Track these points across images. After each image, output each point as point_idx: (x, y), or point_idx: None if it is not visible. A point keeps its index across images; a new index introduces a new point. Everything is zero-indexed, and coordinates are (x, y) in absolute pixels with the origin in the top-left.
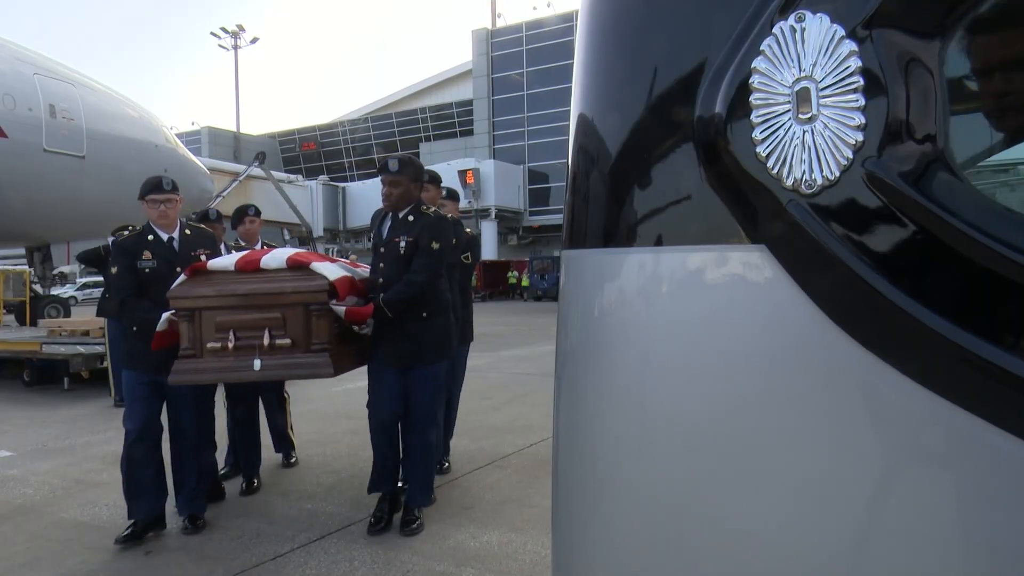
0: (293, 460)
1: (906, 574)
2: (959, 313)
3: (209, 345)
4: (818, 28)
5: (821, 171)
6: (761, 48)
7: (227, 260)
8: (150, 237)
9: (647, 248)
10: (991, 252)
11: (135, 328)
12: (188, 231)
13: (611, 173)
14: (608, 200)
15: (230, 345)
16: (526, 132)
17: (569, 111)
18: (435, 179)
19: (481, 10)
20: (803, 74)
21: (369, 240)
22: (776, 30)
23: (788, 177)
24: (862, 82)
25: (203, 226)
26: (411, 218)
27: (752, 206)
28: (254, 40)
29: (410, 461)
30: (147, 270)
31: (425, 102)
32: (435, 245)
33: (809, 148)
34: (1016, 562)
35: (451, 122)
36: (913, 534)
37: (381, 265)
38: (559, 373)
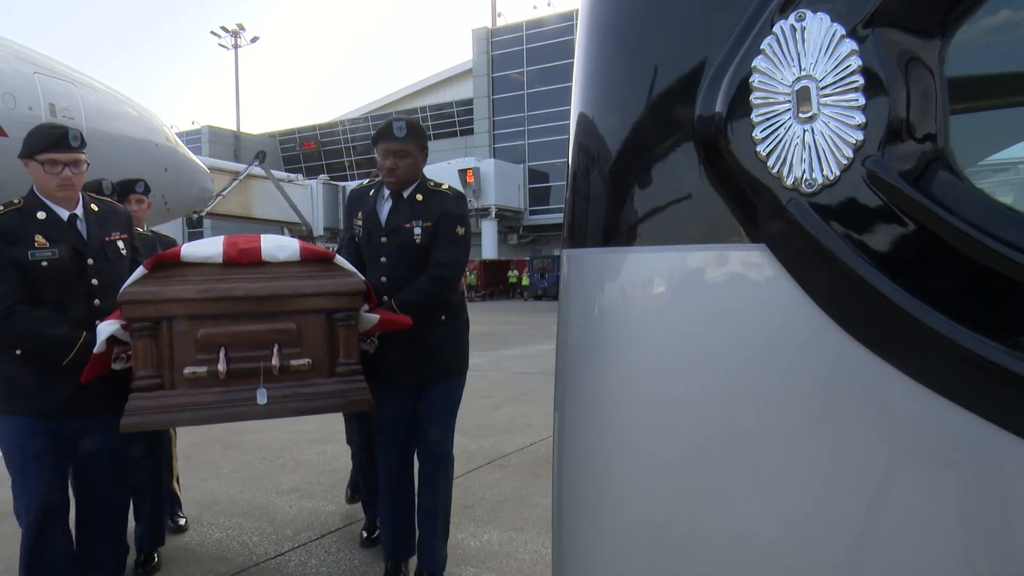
0: (183, 522)
1: (906, 574)
2: (960, 312)
3: (188, 371)
4: (818, 27)
5: (821, 170)
6: (761, 47)
7: (208, 248)
8: (41, 215)
9: (647, 247)
10: (992, 251)
11: (21, 352)
12: (95, 206)
13: (611, 172)
14: (608, 199)
15: (221, 370)
16: (526, 131)
17: (569, 110)
18: None
19: (481, 9)
20: (803, 73)
21: (359, 228)
22: (776, 29)
23: (788, 176)
24: (862, 81)
25: (110, 199)
26: (420, 197)
27: (752, 205)
28: (254, 39)
29: (422, 506)
30: (44, 263)
31: (425, 101)
32: (460, 231)
33: (809, 147)
34: (1016, 562)
35: (451, 121)
36: (914, 534)
37: (383, 259)
38: (560, 372)
